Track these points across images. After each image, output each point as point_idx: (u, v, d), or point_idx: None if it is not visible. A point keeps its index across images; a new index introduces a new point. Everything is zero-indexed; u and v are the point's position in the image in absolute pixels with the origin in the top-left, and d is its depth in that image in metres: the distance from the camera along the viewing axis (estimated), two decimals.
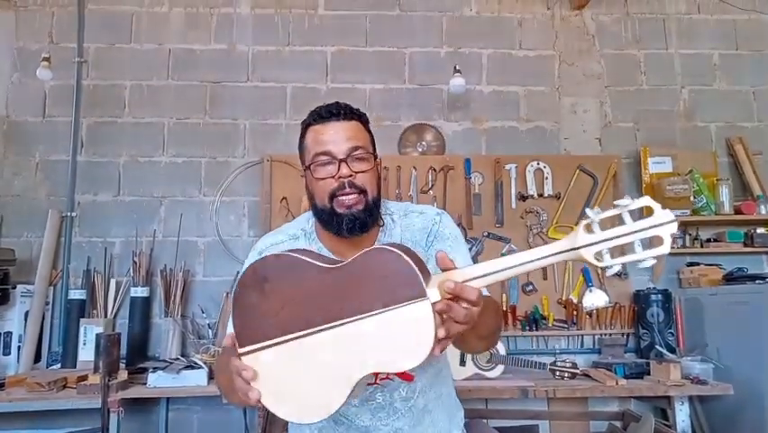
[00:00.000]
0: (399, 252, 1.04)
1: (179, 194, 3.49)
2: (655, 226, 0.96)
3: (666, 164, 3.50)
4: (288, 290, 1.11)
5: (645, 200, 0.96)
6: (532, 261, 1.04)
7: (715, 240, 3.48)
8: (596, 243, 0.99)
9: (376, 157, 1.35)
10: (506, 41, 3.73)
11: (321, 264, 1.11)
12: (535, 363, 2.97)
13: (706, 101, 3.73)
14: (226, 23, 3.65)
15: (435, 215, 1.43)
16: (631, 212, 0.97)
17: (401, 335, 1.02)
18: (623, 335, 3.37)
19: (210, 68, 3.60)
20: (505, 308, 3.31)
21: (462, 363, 2.93)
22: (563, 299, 3.40)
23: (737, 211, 3.39)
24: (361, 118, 1.37)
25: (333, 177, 1.28)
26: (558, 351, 3.36)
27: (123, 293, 3.34)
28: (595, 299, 3.39)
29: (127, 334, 3.20)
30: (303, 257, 1.13)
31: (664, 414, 2.99)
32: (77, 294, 3.27)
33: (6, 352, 3.11)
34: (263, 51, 3.64)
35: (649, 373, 2.95)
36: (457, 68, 3.44)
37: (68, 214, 3.39)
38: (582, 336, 3.40)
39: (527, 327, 3.33)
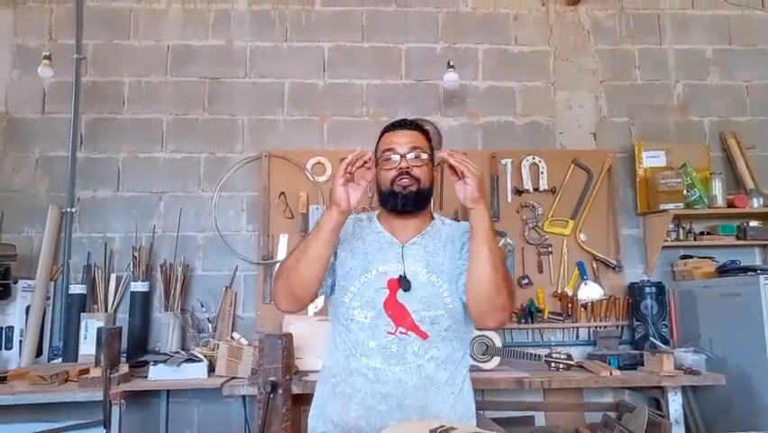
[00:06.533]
0: None
1: (179, 189, 3.51)
2: None
3: (660, 158, 3.54)
4: None
5: None
6: None
7: (708, 233, 3.51)
8: None
9: (432, 160, 1.71)
10: (501, 36, 3.76)
11: None
12: (531, 354, 3.00)
13: (699, 96, 3.76)
14: (223, 18, 3.67)
15: (466, 227, 1.73)
16: None
17: None
18: (617, 327, 3.41)
19: (208, 64, 3.63)
20: None
21: None
22: (559, 291, 3.44)
23: (730, 204, 3.42)
24: (423, 130, 1.74)
25: (395, 168, 1.64)
26: (553, 343, 3.40)
27: (124, 288, 3.37)
28: (590, 291, 3.44)
29: (127, 328, 3.23)
30: None
31: (658, 404, 3.03)
32: (77, 289, 3.30)
33: (8, 346, 3.14)
34: (261, 47, 3.66)
35: (643, 365, 3.00)
36: (451, 63, 3.45)
37: (68, 209, 3.42)
38: (577, 328, 3.43)
39: (523, 320, 3.36)
